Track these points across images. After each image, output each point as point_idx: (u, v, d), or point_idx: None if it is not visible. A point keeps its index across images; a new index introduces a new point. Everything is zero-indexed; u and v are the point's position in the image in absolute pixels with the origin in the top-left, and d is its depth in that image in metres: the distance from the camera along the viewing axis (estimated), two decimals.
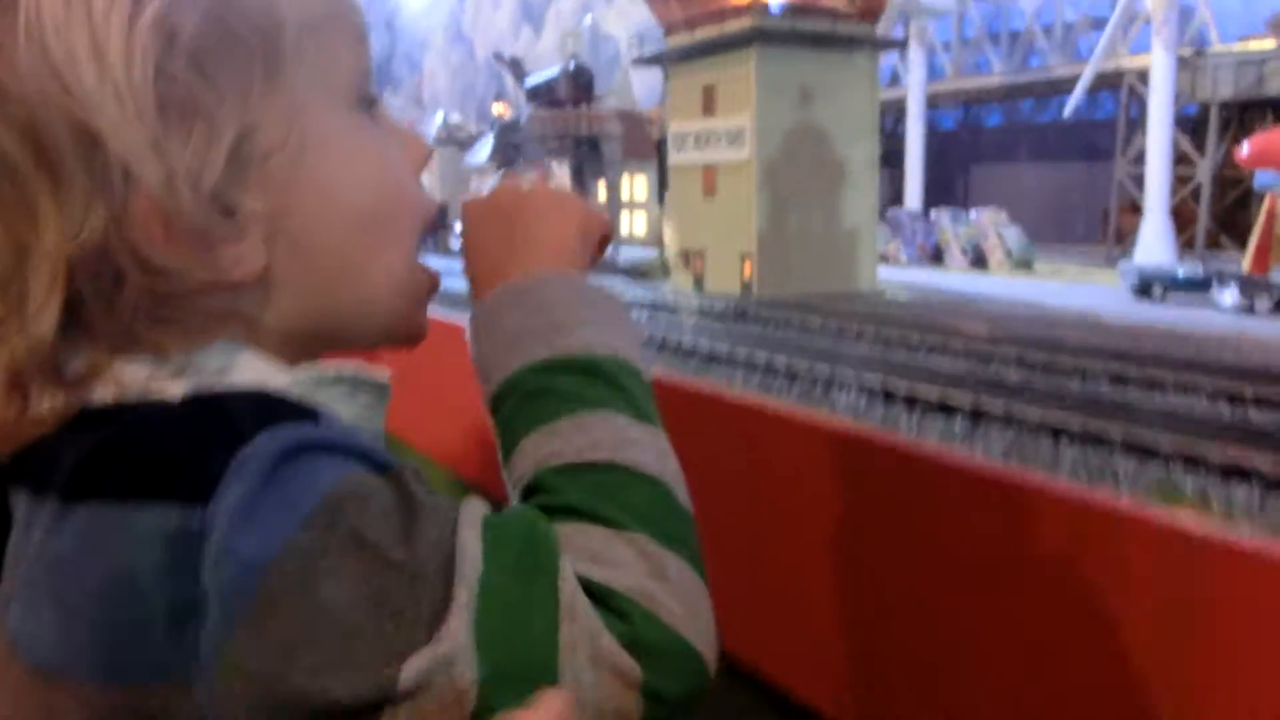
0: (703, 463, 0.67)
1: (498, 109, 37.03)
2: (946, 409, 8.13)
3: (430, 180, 41.61)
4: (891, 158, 27.70)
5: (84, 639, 0.36)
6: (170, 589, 0.34)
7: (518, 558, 0.37)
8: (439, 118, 43.05)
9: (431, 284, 0.49)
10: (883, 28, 17.24)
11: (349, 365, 0.45)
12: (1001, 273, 20.30)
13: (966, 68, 28.72)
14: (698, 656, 0.39)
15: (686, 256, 16.75)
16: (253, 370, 0.42)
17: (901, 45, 18.24)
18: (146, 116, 0.37)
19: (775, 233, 15.29)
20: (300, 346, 0.45)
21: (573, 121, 23.83)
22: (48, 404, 0.39)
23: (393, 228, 0.46)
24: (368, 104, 0.46)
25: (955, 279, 19.03)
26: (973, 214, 21.42)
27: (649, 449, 0.45)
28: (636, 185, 28.20)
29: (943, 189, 28.13)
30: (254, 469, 0.35)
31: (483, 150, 34.40)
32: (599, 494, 0.42)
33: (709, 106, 15.80)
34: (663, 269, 18.12)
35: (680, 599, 0.39)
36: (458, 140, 41.89)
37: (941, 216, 21.79)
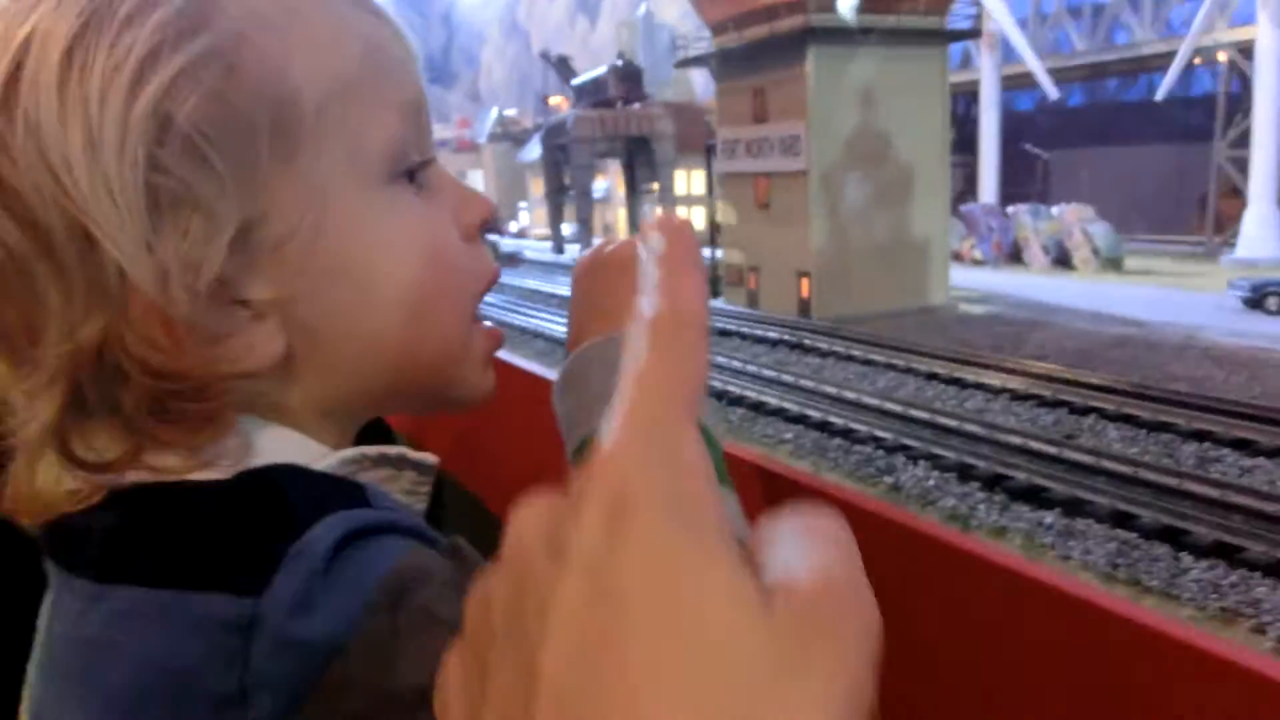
0: None
1: (554, 101, 36.16)
2: (1033, 496, 6.85)
3: (483, 175, 41.10)
4: (964, 145, 25.94)
5: None
6: (216, 679, 0.35)
7: None
8: (494, 113, 42.38)
9: (494, 344, 0.50)
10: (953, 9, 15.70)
11: (394, 448, 0.45)
12: (1088, 274, 18.60)
13: (1045, 46, 26.69)
14: None
15: (739, 272, 15.54)
16: (285, 450, 0.42)
17: (974, 35, 16.60)
18: (137, 214, 0.37)
19: (835, 247, 13.97)
20: (347, 419, 0.46)
21: (621, 121, 22.73)
22: (68, 484, 0.40)
23: (439, 306, 0.45)
24: (409, 172, 0.45)
25: (1035, 283, 17.45)
26: (1055, 209, 19.67)
27: (729, 509, 0.45)
28: (694, 180, 27.08)
29: (1020, 175, 26.28)
30: (311, 558, 0.36)
31: (534, 148, 33.58)
32: None
33: (760, 112, 14.49)
34: (713, 284, 16.95)
35: None
36: (512, 135, 41.25)
37: (1020, 212, 20.10)
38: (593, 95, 23.56)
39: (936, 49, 14.34)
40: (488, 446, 1.33)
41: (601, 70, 23.74)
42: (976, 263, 20.75)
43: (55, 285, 0.38)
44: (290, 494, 0.39)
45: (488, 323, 0.50)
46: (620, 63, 23.31)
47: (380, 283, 0.43)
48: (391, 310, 0.43)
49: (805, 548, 0.19)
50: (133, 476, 0.39)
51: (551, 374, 0.90)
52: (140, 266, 0.37)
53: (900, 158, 14.16)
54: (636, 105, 23.23)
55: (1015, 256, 20.34)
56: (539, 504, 0.21)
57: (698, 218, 27.63)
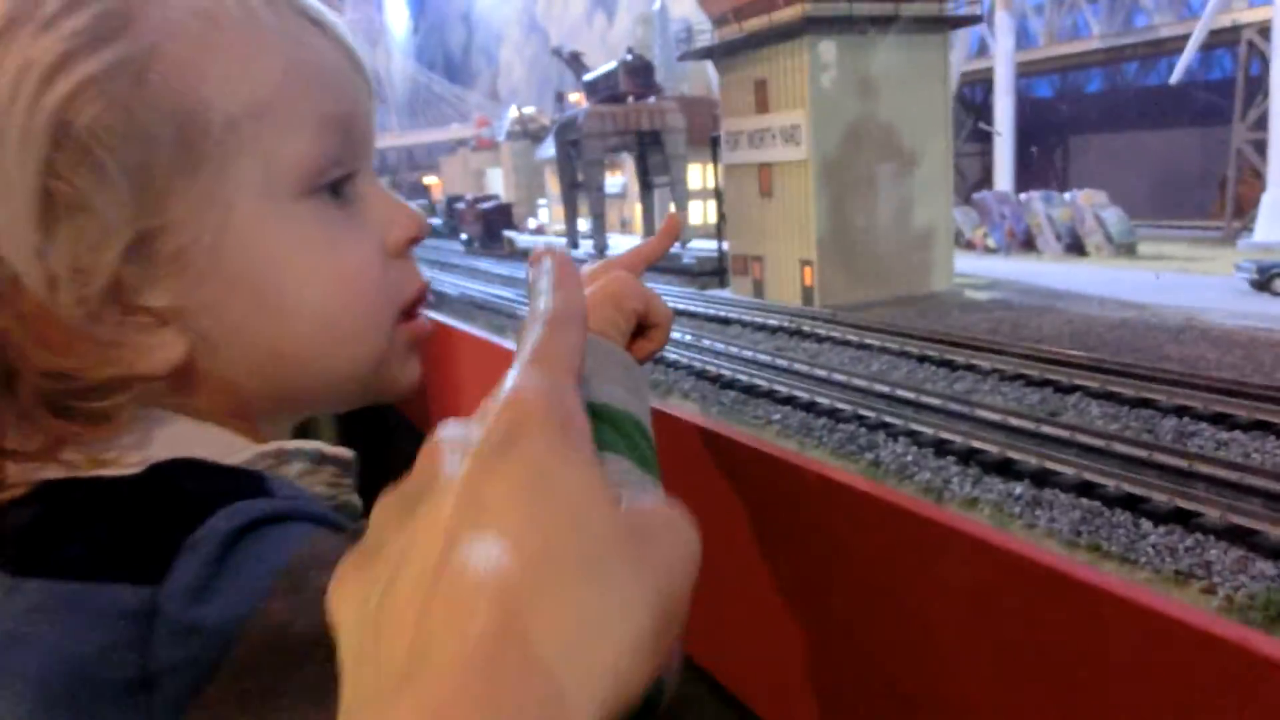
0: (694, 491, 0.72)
1: (573, 98, 36.43)
2: (1006, 469, 6.97)
3: (502, 173, 41.29)
4: (980, 133, 25.82)
5: (34, 716, 0.37)
6: (120, 667, 0.35)
7: None
8: (512, 111, 42.72)
9: (416, 335, 0.50)
10: None
11: (310, 443, 0.45)
12: (1100, 260, 18.50)
13: (1062, 32, 26.51)
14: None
15: (744, 261, 15.69)
16: (197, 445, 0.43)
17: (978, 21, 16.56)
18: (28, 218, 0.38)
19: (838, 235, 14.07)
20: (265, 419, 0.46)
21: (632, 116, 22.92)
22: None
23: (351, 322, 0.45)
24: (331, 186, 0.45)
25: (1046, 270, 17.40)
26: (1068, 195, 19.58)
27: (621, 466, 0.51)
28: (708, 173, 27.19)
29: (1039, 163, 26.13)
30: (208, 545, 0.37)
31: (550, 145, 33.88)
32: None
33: (762, 102, 14.62)
34: (718, 275, 17.10)
35: None
36: (530, 133, 41.50)
37: (1033, 199, 20.01)
38: (604, 91, 23.77)
39: (938, 36, 14.38)
40: (449, 400, 1.42)
41: (612, 65, 23.96)
42: (990, 250, 20.71)
43: None
44: (189, 486, 0.40)
45: (421, 317, 0.50)
46: (630, 57, 23.51)
47: (286, 297, 0.44)
48: (297, 323, 0.44)
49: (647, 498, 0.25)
50: (48, 472, 0.41)
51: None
52: (30, 270, 0.39)
53: (903, 145, 14.22)
54: (648, 100, 23.41)
55: (1029, 244, 20.27)
56: (451, 422, 0.27)
57: (711, 211, 27.78)
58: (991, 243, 20.84)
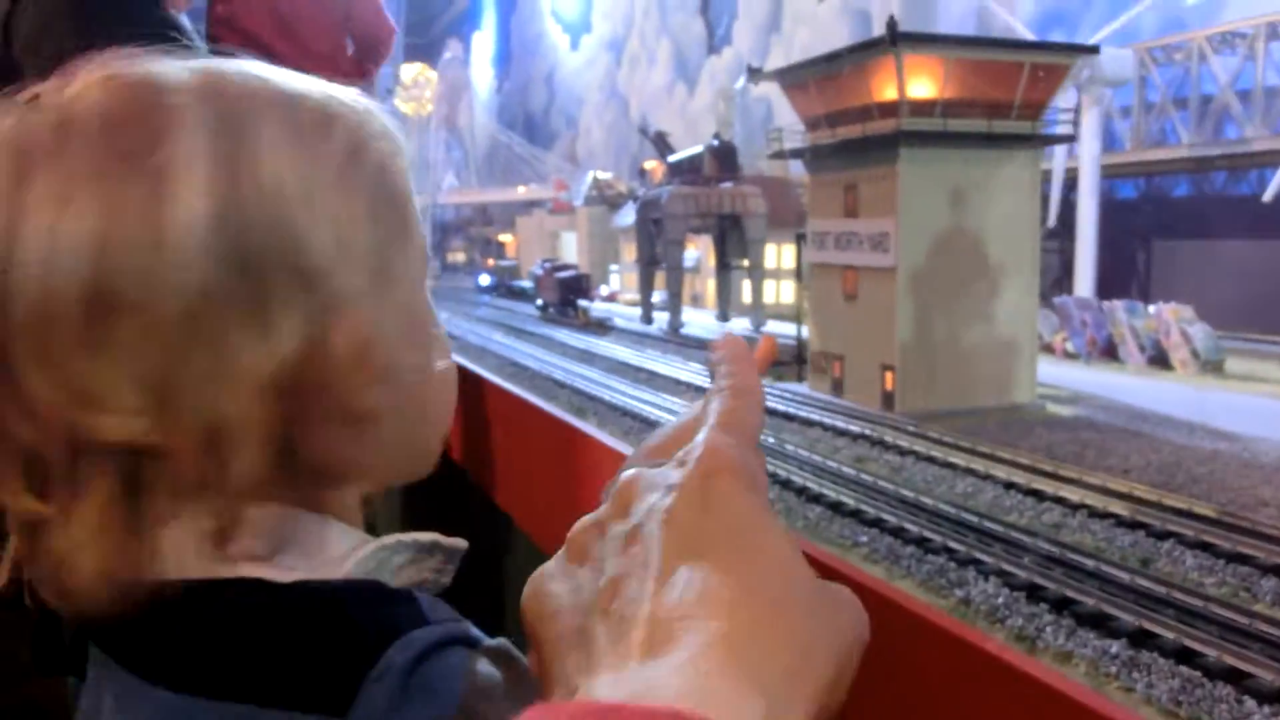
0: None
1: (649, 166, 37.20)
2: (1102, 623, 6.96)
3: (578, 237, 42.14)
4: (1061, 229, 25.75)
5: None
6: None
7: None
8: (589, 177, 43.72)
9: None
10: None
11: (427, 535, 0.50)
12: (1186, 376, 18.22)
13: (1149, 137, 26.47)
14: None
15: (824, 359, 15.86)
16: (333, 543, 0.46)
17: (1071, 140, 16.74)
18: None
19: (921, 342, 14.19)
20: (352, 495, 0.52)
21: (715, 199, 23.44)
22: (131, 573, 0.44)
23: (454, 399, 0.56)
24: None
25: (1130, 384, 17.18)
26: (1152, 308, 19.40)
27: None
28: (784, 254, 27.48)
29: (1121, 266, 25.94)
30: (389, 681, 0.41)
31: (628, 214, 34.62)
32: None
33: (851, 207, 14.93)
34: (796, 366, 17.28)
35: None
36: (607, 199, 42.37)
37: (1116, 308, 19.86)
38: (689, 172, 24.37)
39: (1029, 152, 14.58)
40: (520, 471, 1.55)
41: (698, 149, 24.58)
42: (1069, 356, 20.53)
43: (252, 324, 0.43)
44: (358, 615, 0.44)
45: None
46: (716, 143, 24.10)
47: (430, 388, 0.53)
48: (436, 408, 0.53)
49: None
50: (194, 563, 0.42)
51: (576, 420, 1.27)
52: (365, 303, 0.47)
53: (989, 257, 14.37)
54: (731, 184, 23.95)
55: (1110, 352, 20.07)
56: (644, 470, 0.33)
57: (786, 291, 27.97)
58: (1071, 347, 20.67)
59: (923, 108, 14.85)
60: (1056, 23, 30.37)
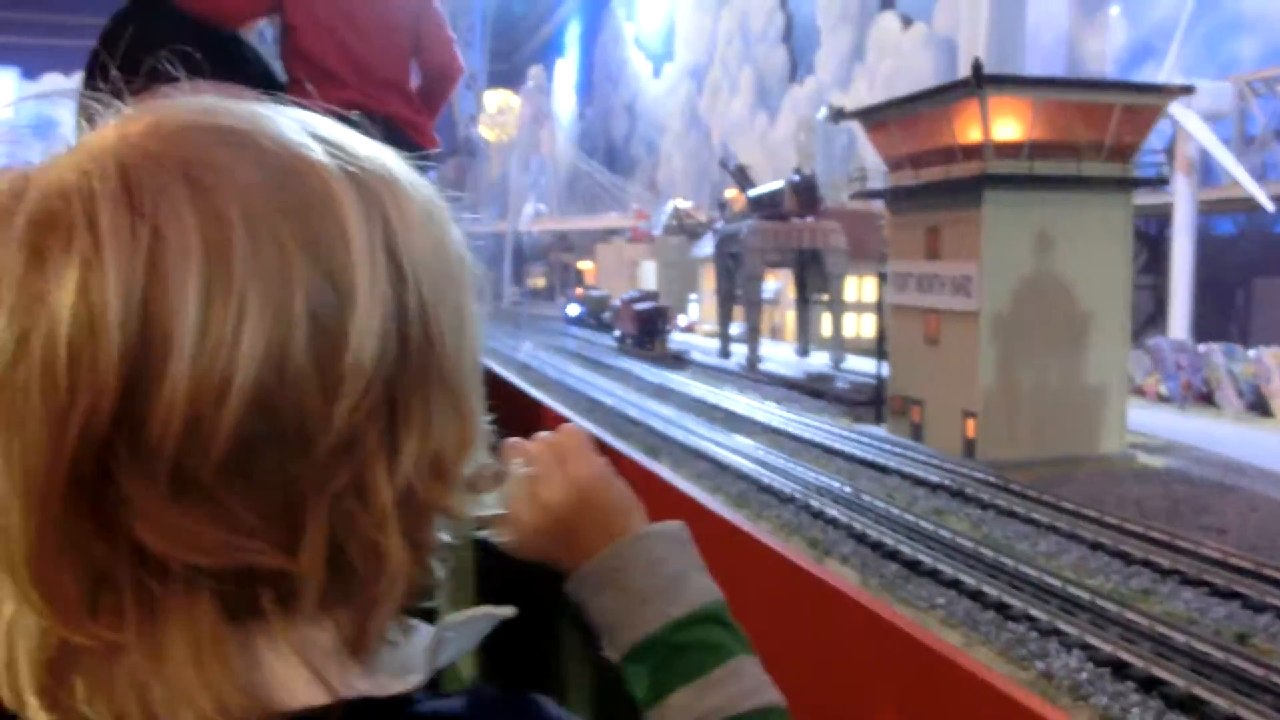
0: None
1: (729, 195, 37.24)
2: (1193, 707, 6.68)
3: (657, 267, 42.18)
4: (1152, 265, 24.87)
5: None
6: None
7: None
8: (669, 207, 43.98)
9: None
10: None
11: (480, 610, 0.52)
12: None
13: (1249, 171, 25.39)
14: None
15: (903, 403, 15.60)
16: (420, 639, 0.48)
17: (1161, 182, 16.23)
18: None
19: (1004, 389, 13.84)
20: None
21: (794, 234, 23.34)
22: (300, 697, 0.42)
23: None
24: None
25: (1227, 433, 16.45)
26: (1252, 352, 18.57)
27: (768, 682, 0.63)
28: (865, 287, 27.16)
29: (1219, 303, 24.91)
30: None
31: (706, 244, 34.60)
32: None
33: (933, 250, 14.70)
34: (875, 407, 17.02)
35: None
36: (686, 228, 42.50)
37: (1213, 352, 19.07)
38: (769, 207, 24.32)
39: (1120, 195, 14.16)
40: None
41: (779, 184, 24.50)
42: (1162, 399, 19.77)
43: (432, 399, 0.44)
44: None
45: None
46: (797, 178, 24.00)
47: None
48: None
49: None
50: (305, 697, 0.41)
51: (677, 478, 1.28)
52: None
53: (1078, 303, 13.96)
54: (811, 219, 23.79)
55: (1205, 397, 19.25)
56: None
57: (867, 324, 27.63)
58: (1165, 391, 19.90)
59: (1008, 150, 14.52)
60: (1147, 55, 29.49)
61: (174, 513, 0.39)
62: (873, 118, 16.49)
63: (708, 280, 36.98)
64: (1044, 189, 13.59)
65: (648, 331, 27.73)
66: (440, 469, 0.45)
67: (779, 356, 24.90)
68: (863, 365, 20.73)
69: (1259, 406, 18.67)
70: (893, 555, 9.89)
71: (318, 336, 0.39)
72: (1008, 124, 13.65)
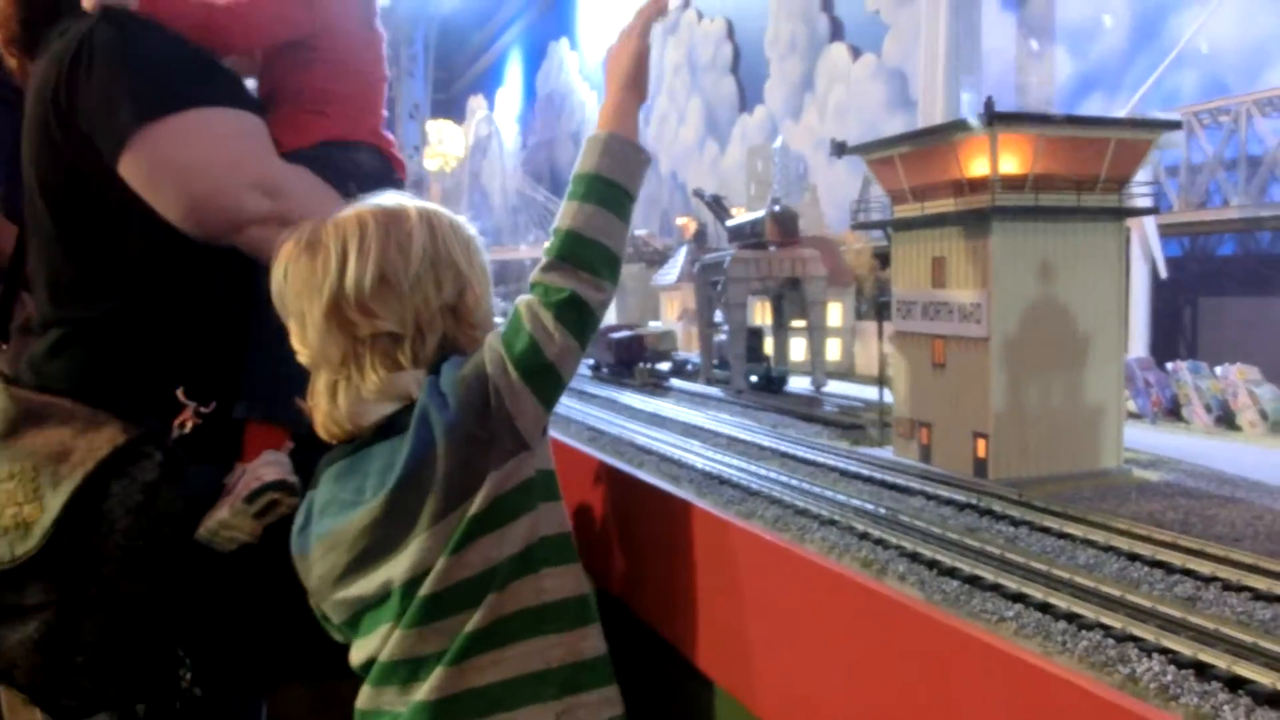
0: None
1: (681, 222, 37.53)
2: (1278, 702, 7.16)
3: (616, 296, 41.91)
4: None
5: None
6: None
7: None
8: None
9: None
10: None
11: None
12: (1255, 437, 18.41)
13: (1196, 198, 26.94)
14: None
15: (910, 425, 16.15)
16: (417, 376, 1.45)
17: (1155, 213, 17.19)
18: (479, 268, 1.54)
19: (1013, 409, 14.43)
20: None
21: (776, 263, 23.81)
22: (372, 410, 1.42)
23: None
24: None
25: (1204, 446, 17.27)
26: (1219, 369, 19.71)
27: (621, 233, 1.46)
28: (830, 312, 27.64)
29: (1168, 323, 26.16)
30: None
31: (670, 272, 34.81)
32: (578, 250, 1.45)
33: (939, 278, 15.30)
34: (880, 432, 17.53)
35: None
36: (644, 256, 42.64)
37: (1180, 369, 20.16)
38: (749, 237, 24.76)
39: (1114, 224, 15.00)
40: (660, 579, 1.64)
41: (759, 214, 24.97)
42: (1132, 415, 20.72)
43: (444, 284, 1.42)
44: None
45: None
46: (777, 208, 24.55)
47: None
48: None
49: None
50: (375, 403, 1.37)
51: (721, 512, 1.46)
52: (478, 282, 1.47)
53: (1078, 324, 14.67)
54: (791, 248, 24.29)
55: (1174, 412, 20.30)
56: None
57: (833, 347, 28.13)
58: (1133, 407, 20.90)
59: (1013, 183, 15.24)
60: (1092, 87, 31.01)
61: (375, 320, 1.39)
62: (876, 152, 17.05)
63: (669, 309, 37.05)
64: (1046, 219, 14.27)
65: (624, 361, 27.73)
66: (463, 314, 1.43)
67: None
68: (842, 389, 21.14)
69: (1226, 421, 19.75)
70: (950, 572, 10.24)
71: (412, 247, 1.42)
72: (1013, 158, 14.36)
